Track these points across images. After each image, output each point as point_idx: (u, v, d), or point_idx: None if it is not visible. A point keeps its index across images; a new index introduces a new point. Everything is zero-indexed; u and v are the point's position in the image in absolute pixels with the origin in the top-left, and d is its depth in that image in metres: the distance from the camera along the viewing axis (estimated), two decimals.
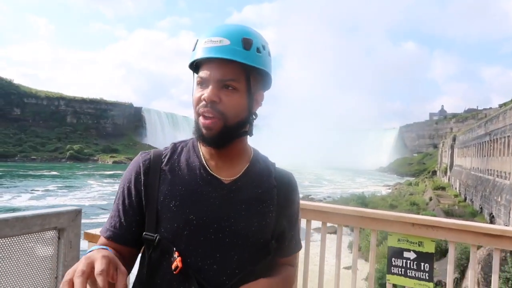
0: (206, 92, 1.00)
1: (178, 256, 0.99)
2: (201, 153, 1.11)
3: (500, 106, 51.38)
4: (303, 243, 2.51)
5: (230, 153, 1.09)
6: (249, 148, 1.18)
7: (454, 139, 49.54)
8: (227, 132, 1.03)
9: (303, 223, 2.55)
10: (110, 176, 67.24)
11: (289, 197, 1.17)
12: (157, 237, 1.02)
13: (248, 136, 1.13)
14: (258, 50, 1.03)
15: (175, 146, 1.15)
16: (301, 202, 2.66)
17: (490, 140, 26.57)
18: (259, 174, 1.13)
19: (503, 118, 23.42)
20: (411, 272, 2.17)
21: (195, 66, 1.08)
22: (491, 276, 2.07)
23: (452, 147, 48.87)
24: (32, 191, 43.94)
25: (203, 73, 1.03)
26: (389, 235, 2.24)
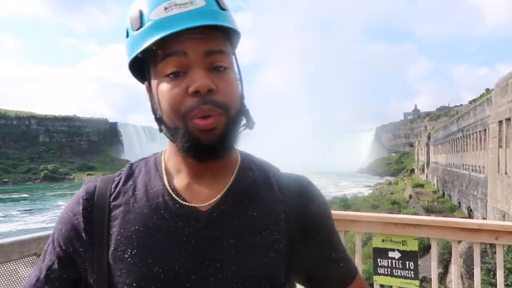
0: (194, 80, 0.66)
1: None
2: (163, 171, 0.77)
3: (470, 102, 53.17)
4: None
5: (213, 164, 0.74)
6: (235, 152, 0.81)
7: (429, 137, 50.81)
8: (231, 130, 0.71)
9: None
10: None
11: (309, 211, 0.80)
12: None
13: (249, 129, 0.77)
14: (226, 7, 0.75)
15: (131, 168, 0.81)
16: None
17: (463, 136, 27.39)
18: (252, 189, 0.78)
19: (474, 114, 24.21)
20: (397, 271, 2.20)
21: (146, 52, 0.69)
22: (473, 269, 2.12)
23: (427, 145, 50.09)
24: None
25: (175, 55, 0.67)
26: (373, 236, 2.27)
